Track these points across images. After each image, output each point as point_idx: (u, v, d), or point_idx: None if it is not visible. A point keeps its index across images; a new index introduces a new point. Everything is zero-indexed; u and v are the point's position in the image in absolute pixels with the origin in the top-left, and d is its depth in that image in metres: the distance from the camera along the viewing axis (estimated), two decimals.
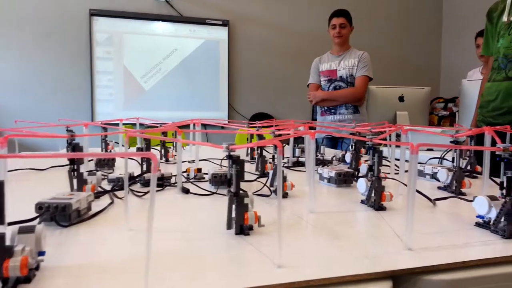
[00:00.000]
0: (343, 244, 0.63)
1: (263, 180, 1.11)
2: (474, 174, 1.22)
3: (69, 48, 4.13)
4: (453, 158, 0.99)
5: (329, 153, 1.89)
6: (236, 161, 0.65)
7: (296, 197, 0.97)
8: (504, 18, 1.67)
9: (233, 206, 0.66)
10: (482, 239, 0.66)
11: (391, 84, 3.12)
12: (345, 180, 1.11)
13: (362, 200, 0.90)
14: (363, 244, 0.63)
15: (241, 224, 0.66)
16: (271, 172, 1.02)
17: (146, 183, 1.08)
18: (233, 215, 0.66)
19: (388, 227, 0.73)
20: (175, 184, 1.08)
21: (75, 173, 0.86)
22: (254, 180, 1.14)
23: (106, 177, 1.10)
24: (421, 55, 5.31)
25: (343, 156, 1.59)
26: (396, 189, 1.02)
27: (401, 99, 2.85)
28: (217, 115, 4.64)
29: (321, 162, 1.53)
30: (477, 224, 0.72)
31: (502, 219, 0.66)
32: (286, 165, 1.49)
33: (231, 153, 0.65)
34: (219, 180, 1.07)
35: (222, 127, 3.76)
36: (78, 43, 4.14)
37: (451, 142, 0.99)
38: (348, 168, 1.29)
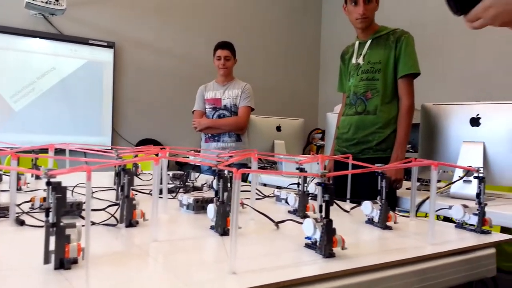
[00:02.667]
0: (169, 272, 0.62)
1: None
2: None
3: None
4: (298, 184, 1.07)
5: (206, 179, 1.88)
6: (56, 188, 0.61)
7: (147, 226, 0.94)
8: (353, 60, 1.92)
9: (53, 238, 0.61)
10: (305, 259, 0.71)
11: (271, 115, 3.30)
12: (202, 206, 1.12)
13: (211, 226, 0.91)
14: (191, 271, 0.63)
15: (61, 258, 0.61)
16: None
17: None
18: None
19: (224, 252, 0.74)
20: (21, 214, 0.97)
21: None
22: (105, 208, 1.07)
23: None
24: (301, 89, 5.74)
25: (212, 182, 1.60)
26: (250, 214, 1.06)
27: (278, 128, 3.02)
28: (100, 140, 4.37)
29: (191, 189, 1.52)
30: (306, 245, 0.78)
31: (323, 239, 0.72)
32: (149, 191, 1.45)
33: (51, 180, 0.61)
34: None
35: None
36: None
37: (296, 169, 1.07)
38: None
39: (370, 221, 1.01)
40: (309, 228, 0.75)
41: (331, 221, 0.71)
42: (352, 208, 1.17)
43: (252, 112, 3.04)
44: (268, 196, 1.42)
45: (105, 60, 4.39)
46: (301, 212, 1.06)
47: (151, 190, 1.47)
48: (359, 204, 1.18)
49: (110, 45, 4.40)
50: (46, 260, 0.62)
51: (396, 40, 1.80)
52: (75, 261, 0.63)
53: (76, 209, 0.98)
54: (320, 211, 0.72)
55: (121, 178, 0.93)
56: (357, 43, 1.94)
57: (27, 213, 1.01)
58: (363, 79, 1.86)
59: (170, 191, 1.48)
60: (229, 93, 3.01)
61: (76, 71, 4.25)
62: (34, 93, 4.05)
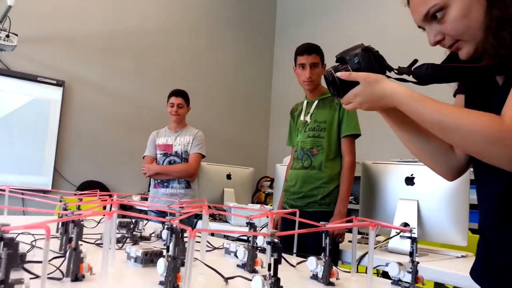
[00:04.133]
0: None
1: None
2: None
3: None
4: (247, 238, 1.10)
5: (154, 228, 1.86)
6: (8, 244, 0.60)
7: (93, 280, 0.92)
8: (302, 118, 2.05)
9: None
10: None
11: (222, 163, 3.35)
12: (151, 259, 1.11)
13: (160, 281, 0.91)
14: None
15: None
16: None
17: None
18: None
19: None
20: None
21: None
22: (50, 260, 1.03)
23: None
24: (251, 138, 5.89)
25: (161, 232, 1.59)
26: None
27: (228, 176, 3.07)
28: (39, 180, 4.15)
29: (139, 239, 1.50)
30: None
31: None
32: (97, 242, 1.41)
33: (3, 235, 0.60)
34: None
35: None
36: None
37: (247, 223, 1.11)
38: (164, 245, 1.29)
39: (314, 276, 1.06)
40: (258, 286, 0.78)
41: (279, 279, 0.75)
42: (298, 263, 1.22)
43: (203, 159, 3.08)
44: (217, 248, 1.44)
45: (53, 98, 4.27)
46: (250, 266, 1.09)
47: (96, 240, 1.43)
48: (305, 257, 1.24)
49: (59, 83, 4.31)
50: None
51: (340, 102, 1.96)
52: None
53: (20, 261, 0.94)
54: (269, 269, 0.76)
55: (69, 230, 0.92)
56: (305, 102, 2.09)
57: None
58: (310, 136, 1.99)
59: (117, 241, 1.45)
60: (180, 140, 3.04)
61: (21, 107, 4.09)
62: None
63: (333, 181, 1.92)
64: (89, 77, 4.55)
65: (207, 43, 5.51)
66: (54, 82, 4.29)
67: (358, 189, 2.08)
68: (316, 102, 2.03)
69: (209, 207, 1.47)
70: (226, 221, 2.78)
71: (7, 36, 3.57)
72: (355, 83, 0.91)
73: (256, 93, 6.00)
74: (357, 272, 1.23)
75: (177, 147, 3.02)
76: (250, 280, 0.80)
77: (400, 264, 1.07)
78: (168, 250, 0.88)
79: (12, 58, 4.03)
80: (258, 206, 2.56)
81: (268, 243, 0.76)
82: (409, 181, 1.82)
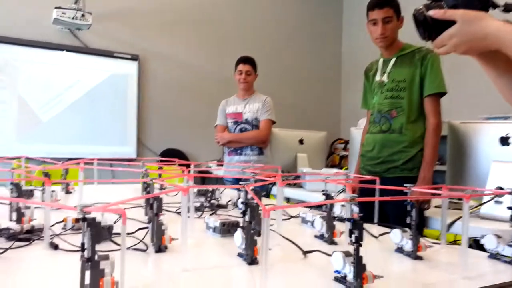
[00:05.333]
0: None
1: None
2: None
3: None
4: (324, 206, 1.06)
5: (230, 196, 1.88)
6: (91, 224, 0.62)
7: (175, 251, 0.94)
8: (377, 78, 1.90)
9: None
10: None
11: (293, 128, 3.29)
12: (229, 230, 1.12)
13: (239, 253, 0.91)
14: None
15: None
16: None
17: (12, 237, 0.98)
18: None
19: (253, 284, 0.74)
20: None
21: None
22: (134, 232, 1.08)
23: None
24: (323, 101, 5.72)
25: (237, 200, 1.61)
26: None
27: (301, 141, 3.01)
28: (125, 150, 4.45)
29: (216, 207, 1.53)
30: (336, 279, 0.77)
31: (353, 276, 0.71)
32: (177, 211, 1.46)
33: (86, 215, 0.62)
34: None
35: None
36: None
37: (322, 192, 1.07)
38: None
39: (399, 250, 0.99)
40: (339, 263, 0.74)
41: (361, 257, 0.70)
42: (380, 235, 1.15)
43: (274, 125, 3.05)
44: (294, 217, 1.41)
45: (129, 72, 4.49)
46: (328, 238, 1.05)
47: (178, 208, 1.48)
48: (387, 227, 1.17)
49: (134, 58, 4.50)
50: None
51: (421, 58, 1.78)
52: None
53: (107, 233, 0.99)
54: (351, 243, 0.71)
55: (153, 206, 0.94)
56: (381, 60, 1.92)
57: (58, 235, 1.03)
58: (388, 97, 1.84)
59: (196, 209, 1.49)
60: (249, 107, 3.03)
61: (101, 83, 4.36)
62: (61, 104, 4.17)
63: (416, 144, 1.77)
64: (161, 49, 4.69)
65: (271, 4, 5.36)
66: (129, 56, 4.49)
67: (442, 151, 1.92)
68: (393, 59, 1.86)
69: (283, 177, 1.44)
70: (301, 186, 2.76)
71: (83, 15, 3.76)
72: (451, 23, 0.79)
73: (326, 54, 5.76)
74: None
75: (247, 115, 3.01)
76: (330, 255, 0.76)
77: (498, 236, 0.96)
78: (243, 224, 0.87)
79: (89, 36, 4.27)
80: (333, 170, 2.49)
81: (348, 220, 0.71)
82: (504, 141, 1.63)
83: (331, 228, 1.05)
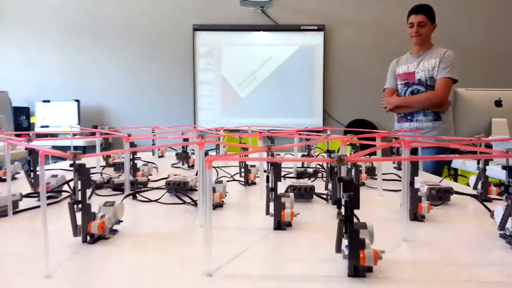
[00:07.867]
0: None
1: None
2: None
3: (175, 60, 4.61)
4: None
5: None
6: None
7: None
8: None
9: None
10: None
11: (486, 86, 2.68)
12: (439, 197, 1.05)
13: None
14: None
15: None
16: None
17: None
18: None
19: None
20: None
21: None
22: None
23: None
24: None
25: None
26: None
27: (498, 103, 2.42)
28: (311, 122, 4.59)
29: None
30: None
31: None
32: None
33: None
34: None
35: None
36: (183, 56, 4.60)
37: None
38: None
39: None
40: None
41: None
42: None
43: (456, 84, 2.54)
44: None
45: (316, 43, 4.54)
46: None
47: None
48: None
49: (320, 28, 4.52)
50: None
51: None
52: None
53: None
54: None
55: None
56: None
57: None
58: None
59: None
60: (424, 65, 2.59)
61: (289, 57, 4.58)
62: (256, 81, 4.62)
63: None
64: (344, 15, 4.54)
65: None
66: (315, 27, 4.54)
67: None
68: None
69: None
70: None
71: None
72: None
73: None
74: None
75: (420, 74, 2.60)
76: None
77: None
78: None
79: (277, 13, 4.52)
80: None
81: None
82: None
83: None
